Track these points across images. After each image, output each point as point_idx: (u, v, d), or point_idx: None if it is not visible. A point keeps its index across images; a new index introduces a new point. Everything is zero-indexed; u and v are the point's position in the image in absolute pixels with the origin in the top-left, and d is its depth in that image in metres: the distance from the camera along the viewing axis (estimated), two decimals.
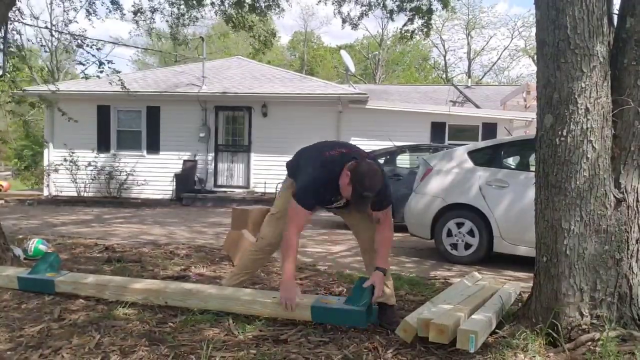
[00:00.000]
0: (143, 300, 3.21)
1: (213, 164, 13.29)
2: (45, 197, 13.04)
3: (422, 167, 6.12)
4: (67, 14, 8.54)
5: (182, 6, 7.98)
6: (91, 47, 8.58)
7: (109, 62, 8.22)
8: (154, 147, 13.28)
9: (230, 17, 7.97)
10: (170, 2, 8.03)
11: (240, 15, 7.98)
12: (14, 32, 7.73)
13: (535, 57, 3.59)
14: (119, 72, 8.57)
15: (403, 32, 8.00)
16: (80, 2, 10.97)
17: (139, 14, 8.20)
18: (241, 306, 2.96)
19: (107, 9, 8.15)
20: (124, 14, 8.33)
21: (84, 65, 8.98)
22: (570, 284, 2.57)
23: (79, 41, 8.60)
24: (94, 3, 8.29)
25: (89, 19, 8.55)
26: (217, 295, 3.08)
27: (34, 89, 12.32)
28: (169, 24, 8.40)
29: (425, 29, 7.80)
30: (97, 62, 8.28)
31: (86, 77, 9.92)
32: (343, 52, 17.43)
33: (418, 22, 7.71)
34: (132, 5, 8.21)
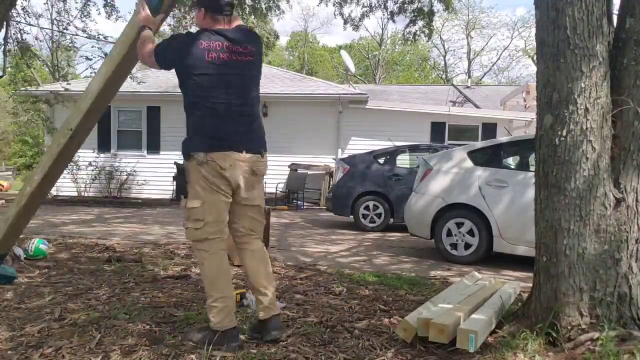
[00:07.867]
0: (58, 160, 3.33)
1: None
2: (46, 197, 13.03)
3: (422, 167, 6.13)
4: (68, 14, 8.64)
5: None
6: (97, 41, 8.69)
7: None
8: (154, 147, 13.28)
9: None
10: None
11: (241, 17, 8.02)
12: (22, 32, 7.83)
13: (535, 57, 3.58)
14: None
15: (405, 34, 8.02)
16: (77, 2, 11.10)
17: None
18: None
19: (97, 11, 8.27)
20: (120, 16, 8.37)
21: (90, 60, 9.19)
22: (569, 283, 2.57)
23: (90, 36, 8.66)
24: (88, 4, 8.38)
25: (85, 21, 8.66)
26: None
27: (44, 89, 12.35)
28: (170, 28, 8.45)
29: (427, 31, 7.81)
30: (102, 56, 8.39)
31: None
32: (343, 52, 17.44)
33: (419, 24, 7.73)
34: None
